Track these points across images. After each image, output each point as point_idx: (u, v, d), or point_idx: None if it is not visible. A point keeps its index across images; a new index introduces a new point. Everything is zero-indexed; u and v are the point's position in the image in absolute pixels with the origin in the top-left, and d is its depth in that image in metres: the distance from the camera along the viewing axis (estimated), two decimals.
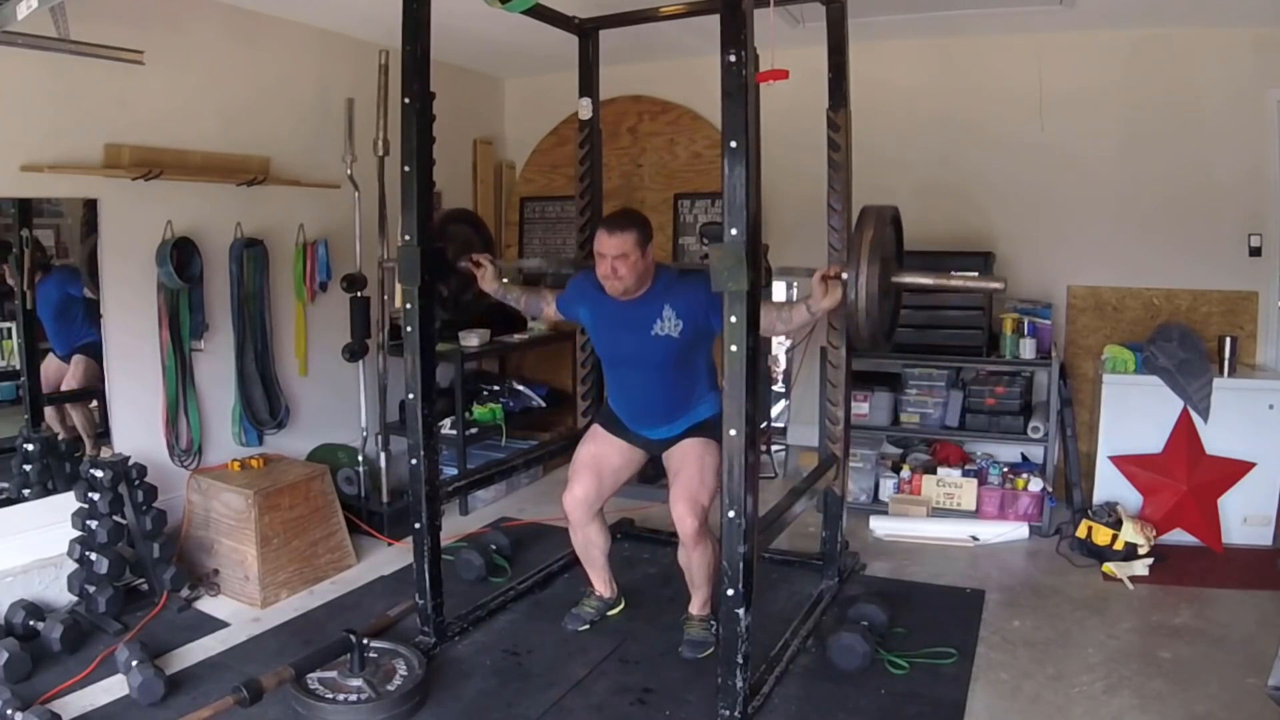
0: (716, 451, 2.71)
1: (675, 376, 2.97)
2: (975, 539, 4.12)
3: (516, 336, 5.24)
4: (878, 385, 4.52)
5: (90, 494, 3.26)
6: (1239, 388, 3.99)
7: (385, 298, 4.35)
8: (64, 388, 3.56)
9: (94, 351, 3.56)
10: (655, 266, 2.94)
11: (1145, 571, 3.69)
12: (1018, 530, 4.16)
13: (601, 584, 3.31)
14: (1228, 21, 4.13)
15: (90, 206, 3.47)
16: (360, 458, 4.27)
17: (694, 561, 2.98)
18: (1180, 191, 4.40)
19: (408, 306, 2.95)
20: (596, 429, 3.21)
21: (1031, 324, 4.31)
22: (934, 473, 4.42)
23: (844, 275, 2.54)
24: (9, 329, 3.40)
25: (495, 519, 4.46)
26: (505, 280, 3.28)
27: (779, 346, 5.15)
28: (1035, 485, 4.25)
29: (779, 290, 5.10)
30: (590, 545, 3.20)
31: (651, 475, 3.19)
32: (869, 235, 2.47)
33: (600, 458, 3.14)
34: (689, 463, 2.95)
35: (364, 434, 4.37)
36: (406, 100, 2.83)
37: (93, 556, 3.20)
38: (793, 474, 4.96)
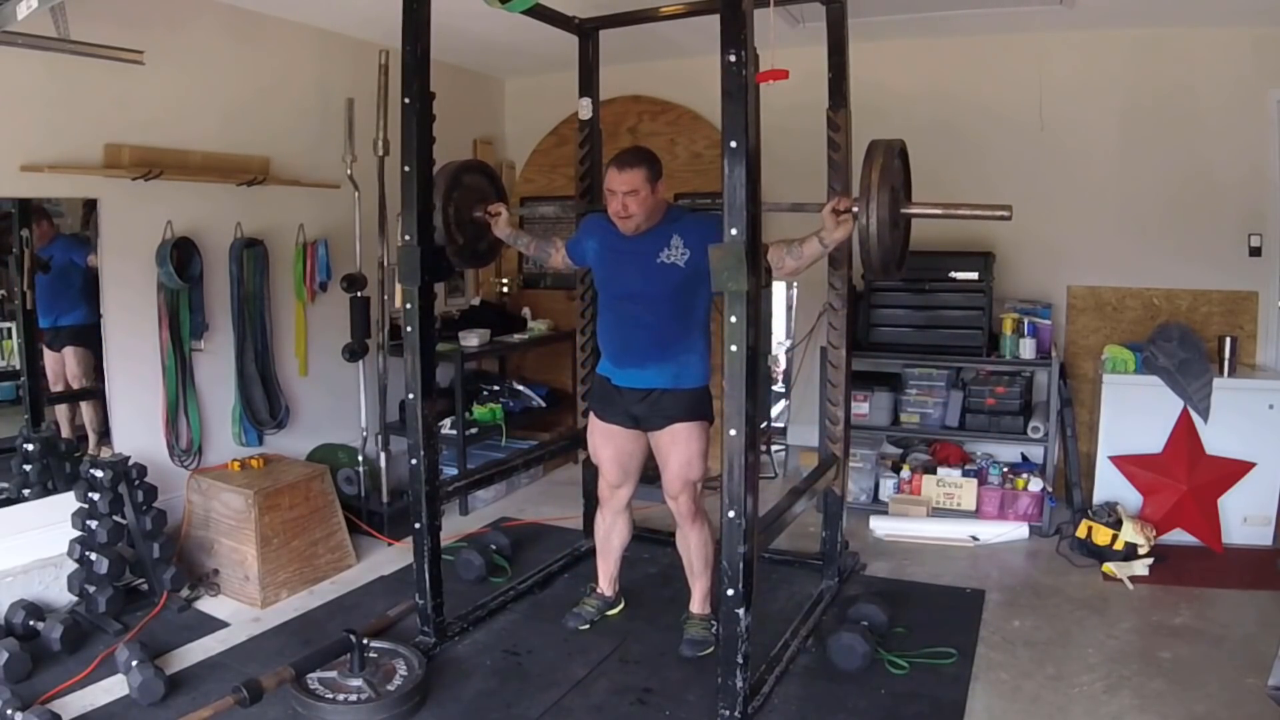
0: (703, 434, 2.96)
1: (671, 311, 2.92)
2: (975, 539, 4.12)
3: (516, 336, 5.24)
4: (878, 385, 4.52)
5: (90, 494, 3.26)
6: (1239, 388, 4.00)
7: (385, 298, 4.35)
8: (63, 384, 3.55)
9: (84, 339, 3.54)
10: (665, 204, 2.95)
11: (1145, 571, 3.69)
12: (1018, 530, 4.16)
13: (607, 579, 3.32)
14: (1228, 21, 4.14)
15: (90, 206, 3.48)
16: (360, 458, 4.27)
17: (691, 543, 3.04)
18: (1180, 191, 4.40)
19: (408, 306, 2.95)
20: (594, 422, 3.20)
21: (1031, 324, 4.31)
22: (934, 473, 4.42)
23: (854, 208, 2.54)
24: (9, 329, 3.40)
25: (495, 519, 4.46)
26: (518, 227, 3.33)
27: (779, 347, 5.15)
28: (1035, 485, 4.25)
29: (779, 292, 5.11)
30: (613, 534, 3.27)
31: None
32: (878, 166, 2.47)
33: (619, 452, 3.15)
34: (677, 447, 2.99)
35: (364, 434, 4.37)
36: (406, 100, 2.83)
37: (93, 556, 3.20)
38: (793, 474, 4.96)
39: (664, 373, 2.96)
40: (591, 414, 3.22)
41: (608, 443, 3.15)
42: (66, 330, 3.55)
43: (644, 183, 2.82)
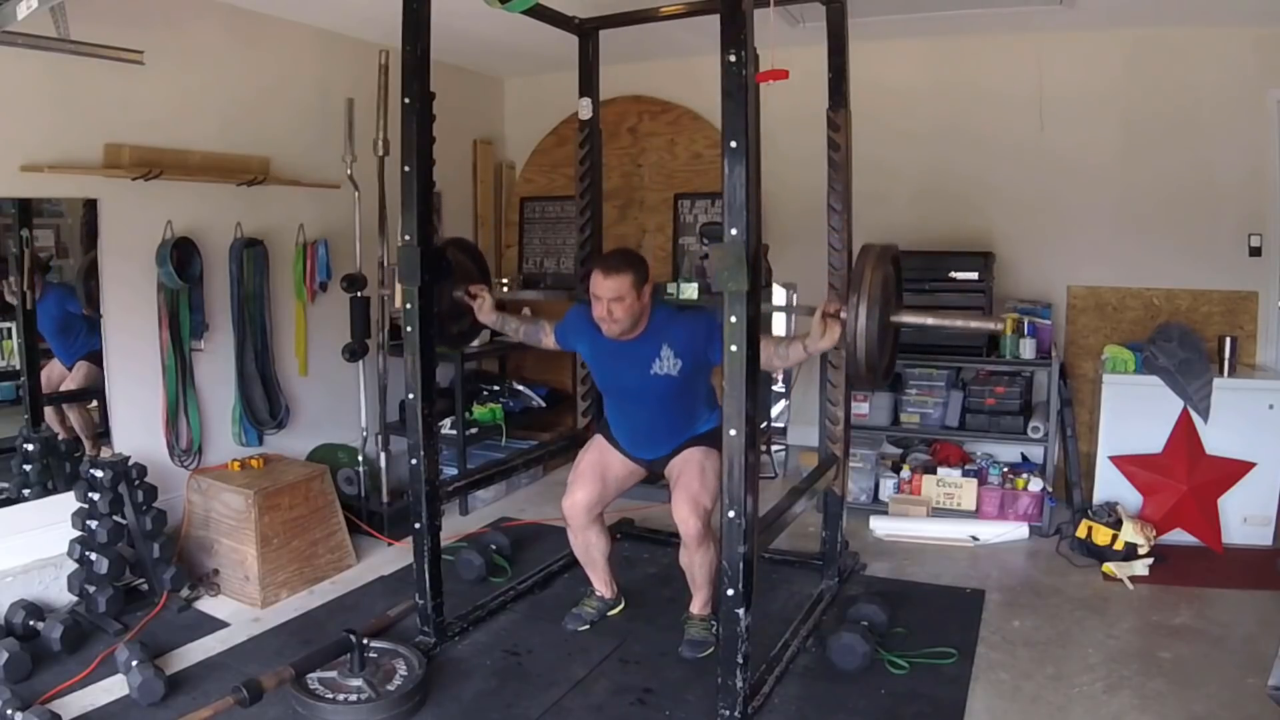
0: (717, 458, 2.70)
1: (675, 406, 2.99)
2: (975, 539, 4.12)
3: None
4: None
5: (90, 494, 3.26)
6: (1239, 388, 3.99)
7: (385, 298, 4.34)
8: (64, 388, 3.56)
9: (98, 358, 3.57)
10: (652, 303, 2.92)
11: (1145, 571, 3.69)
12: (1018, 530, 4.16)
13: (602, 584, 3.31)
14: (1228, 21, 4.14)
15: (90, 207, 3.47)
16: (360, 458, 4.27)
17: (696, 562, 2.99)
18: (1180, 191, 4.40)
19: (408, 306, 2.95)
20: (599, 438, 3.22)
21: (1031, 324, 4.31)
22: (934, 473, 4.41)
23: (843, 314, 2.53)
24: (9, 329, 3.39)
25: (495, 519, 4.46)
26: (503, 310, 3.29)
27: None
28: (1035, 485, 4.25)
29: (779, 294, 5.10)
30: (590, 548, 3.21)
31: (651, 476, 3.20)
32: (869, 274, 2.46)
33: (603, 465, 3.15)
34: (690, 467, 2.96)
35: (364, 434, 4.37)
36: (406, 100, 2.83)
37: (93, 556, 3.20)
38: (793, 474, 4.96)
39: (677, 439, 3.04)
40: (599, 434, 3.22)
41: (602, 455, 3.15)
42: (85, 355, 3.59)
43: (630, 289, 2.80)
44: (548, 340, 3.25)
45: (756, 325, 2.40)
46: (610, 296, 2.79)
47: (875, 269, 2.46)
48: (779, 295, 5.09)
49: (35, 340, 3.43)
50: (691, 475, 2.93)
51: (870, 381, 2.55)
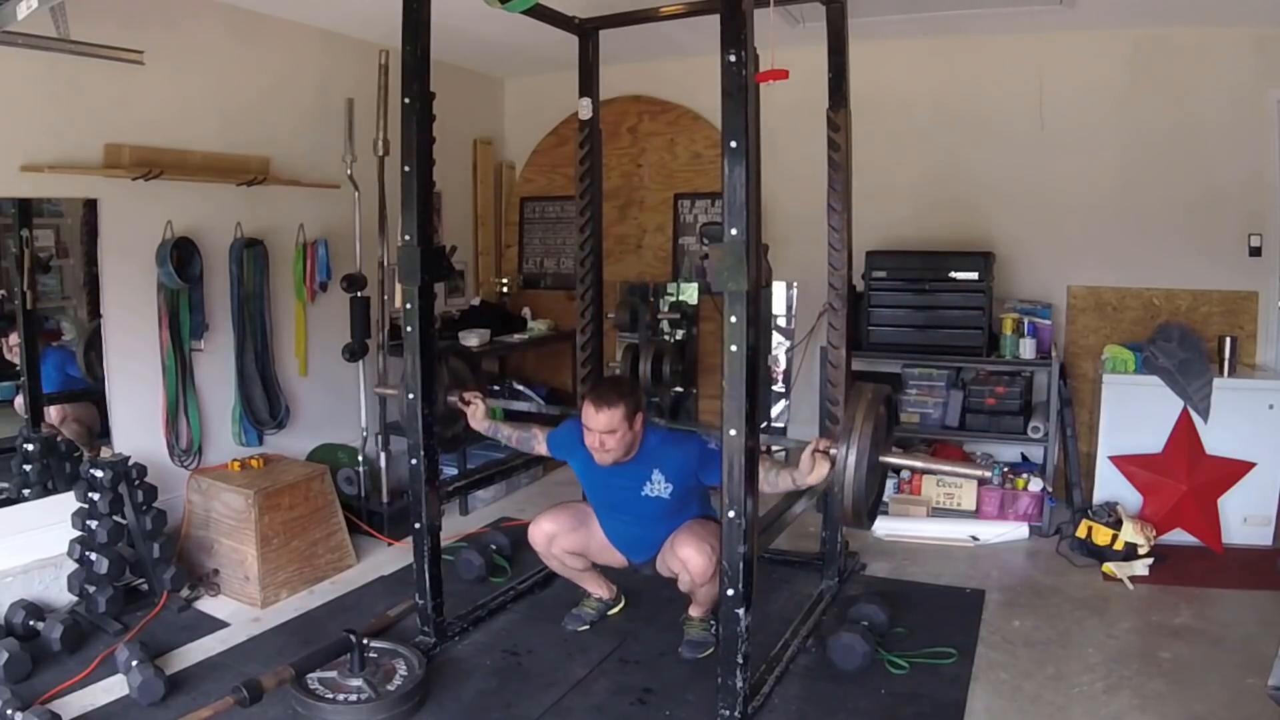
0: (714, 526, 2.70)
1: (667, 522, 2.98)
2: (975, 539, 4.12)
3: (516, 337, 5.24)
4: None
5: (90, 494, 3.26)
6: (1239, 388, 3.99)
7: (385, 298, 4.35)
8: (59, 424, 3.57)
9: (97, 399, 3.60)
10: (644, 428, 2.91)
11: (1145, 571, 3.69)
12: (1018, 530, 4.16)
13: (597, 588, 3.31)
14: (1228, 21, 4.13)
15: (90, 206, 3.47)
16: (360, 458, 4.27)
17: (700, 592, 2.97)
18: (1180, 191, 4.40)
19: (408, 306, 2.95)
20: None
21: (1031, 324, 4.31)
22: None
23: (833, 452, 2.53)
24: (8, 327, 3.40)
25: (495, 519, 4.46)
26: (495, 418, 3.30)
27: (779, 347, 5.15)
28: (1035, 485, 4.25)
29: (779, 291, 5.11)
30: (566, 567, 3.21)
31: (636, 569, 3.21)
32: (860, 415, 2.47)
33: (590, 521, 3.12)
34: (690, 525, 2.94)
35: (364, 434, 4.37)
36: (406, 100, 2.83)
37: (93, 556, 3.20)
38: None
39: (664, 540, 3.00)
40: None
41: (591, 521, 3.12)
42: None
43: (621, 421, 2.80)
44: (540, 448, 3.22)
45: (757, 325, 2.40)
46: (602, 429, 2.80)
47: (867, 413, 2.48)
48: (779, 293, 5.10)
49: (35, 340, 3.43)
50: (692, 526, 2.93)
51: (857, 522, 2.57)
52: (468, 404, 3.22)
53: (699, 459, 2.86)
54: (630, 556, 3.13)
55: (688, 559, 2.84)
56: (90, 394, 3.58)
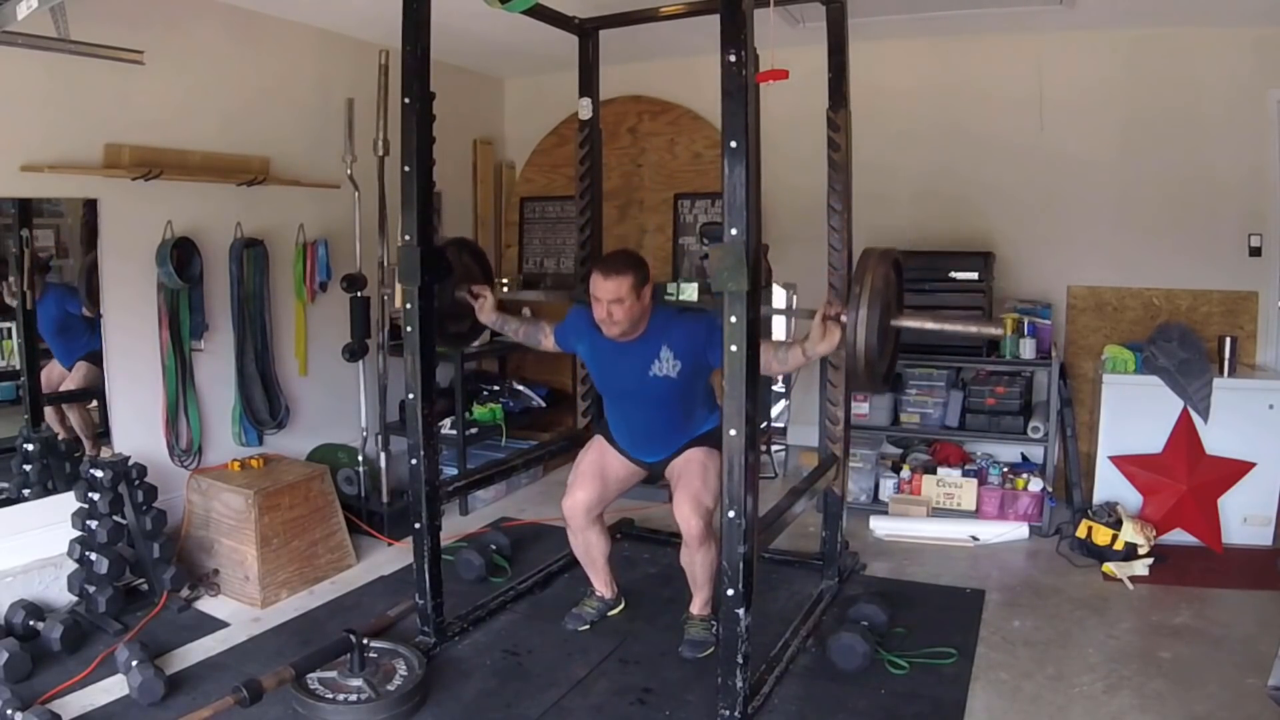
0: (718, 458, 2.64)
1: (674, 408, 2.99)
2: (975, 539, 4.12)
3: None
4: None
5: (90, 494, 3.26)
6: (1239, 388, 3.99)
7: (385, 298, 4.35)
8: (63, 388, 3.56)
9: (97, 358, 3.58)
10: (652, 304, 2.92)
11: (1145, 571, 3.69)
12: (1018, 530, 4.16)
13: (602, 585, 3.31)
14: (1228, 21, 4.14)
15: (90, 207, 3.47)
16: (360, 458, 4.27)
17: (697, 562, 2.99)
18: (1180, 191, 4.40)
19: (408, 306, 2.95)
20: (599, 439, 3.22)
21: (1031, 324, 4.31)
22: (934, 473, 4.42)
23: (843, 317, 2.52)
24: (9, 329, 3.39)
25: (495, 519, 4.46)
26: (504, 311, 3.30)
27: None
28: (1035, 485, 4.25)
29: (779, 296, 5.11)
30: (591, 548, 3.21)
31: (651, 476, 3.20)
32: (869, 277, 2.45)
33: (603, 465, 3.15)
34: (691, 468, 2.96)
35: (364, 434, 4.37)
36: (406, 100, 2.83)
37: (93, 556, 3.20)
38: (793, 474, 4.96)
39: (677, 441, 3.04)
40: (599, 435, 3.22)
41: (602, 456, 3.16)
42: (85, 355, 3.59)
43: (630, 290, 2.79)
44: (547, 341, 3.25)
45: (756, 326, 2.40)
46: (610, 298, 2.79)
47: (875, 271, 2.46)
48: (779, 296, 5.10)
49: (35, 340, 3.43)
50: (693, 475, 2.93)
51: (870, 385, 2.53)
52: (477, 297, 3.21)
53: (707, 336, 2.79)
54: (643, 456, 3.12)
55: (681, 519, 2.86)
56: (91, 323, 3.57)
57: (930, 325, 2.73)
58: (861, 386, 2.60)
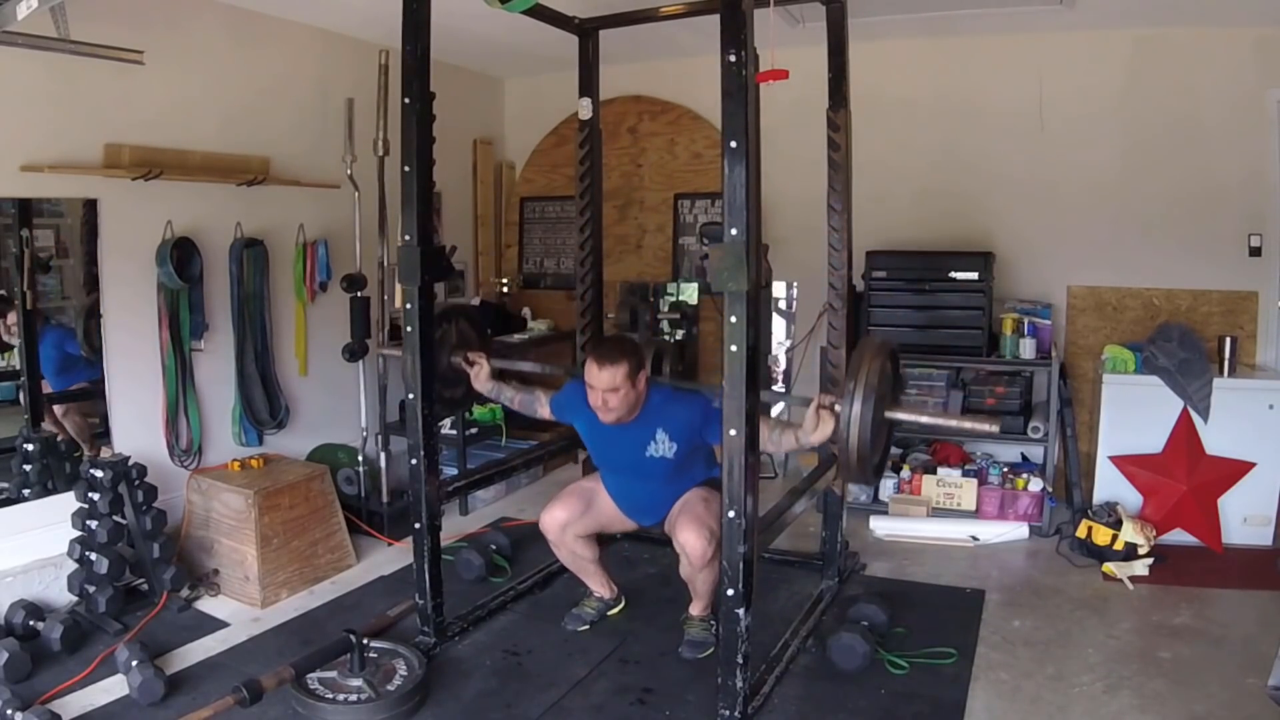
0: (718, 497, 2.59)
1: (672, 483, 2.99)
2: (975, 539, 4.12)
3: (516, 336, 5.24)
4: None
5: (90, 494, 3.26)
6: (1239, 388, 3.99)
7: (385, 298, 4.35)
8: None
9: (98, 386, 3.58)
10: (647, 387, 2.91)
11: (1145, 571, 3.69)
12: (1018, 530, 4.16)
13: (599, 586, 3.31)
14: (1228, 22, 4.14)
15: (90, 206, 3.47)
16: (360, 458, 4.27)
17: (699, 578, 2.97)
18: (1180, 191, 4.40)
19: (408, 306, 2.95)
20: (601, 482, 3.19)
21: (1031, 324, 4.31)
22: (934, 473, 4.41)
23: (837, 407, 2.52)
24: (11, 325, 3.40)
25: (495, 519, 4.46)
26: (500, 379, 3.28)
27: (779, 347, 5.15)
28: (1035, 485, 4.25)
29: (779, 290, 5.11)
30: (576, 557, 3.20)
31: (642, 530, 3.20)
32: (864, 371, 2.45)
33: (595, 497, 3.13)
34: (692, 501, 2.94)
35: (364, 434, 4.37)
36: (406, 100, 2.83)
37: (93, 556, 3.20)
38: (793, 474, 4.95)
39: (673, 503, 3.01)
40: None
41: (596, 490, 3.13)
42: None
43: (624, 379, 2.78)
44: (543, 411, 3.20)
45: (756, 326, 2.40)
46: (605, 387, 2.78)
47: (871, 365, 2.45)
48: (779, 291, 5.10)
49: (35, 341, 3.43)
50: (695, 504, 2.92)
51: (862, 477, 2.53)
52: (472, 364, 3.20)
53: (703, 418, 2.82)
54: (638, 520, 3.12)
55: (686, 543, 2.83)
56: (90, 364, 3.58)
57: (924, 419, 2.76)
58: (853, 479, 2.58)
